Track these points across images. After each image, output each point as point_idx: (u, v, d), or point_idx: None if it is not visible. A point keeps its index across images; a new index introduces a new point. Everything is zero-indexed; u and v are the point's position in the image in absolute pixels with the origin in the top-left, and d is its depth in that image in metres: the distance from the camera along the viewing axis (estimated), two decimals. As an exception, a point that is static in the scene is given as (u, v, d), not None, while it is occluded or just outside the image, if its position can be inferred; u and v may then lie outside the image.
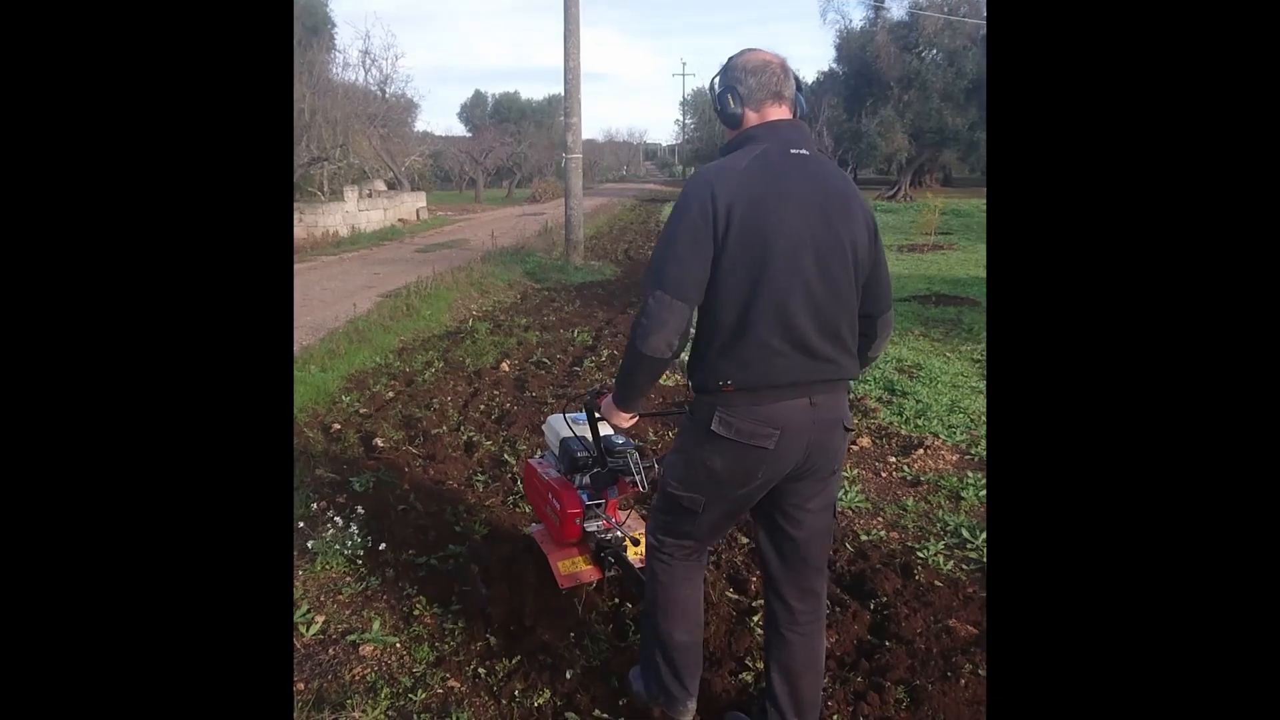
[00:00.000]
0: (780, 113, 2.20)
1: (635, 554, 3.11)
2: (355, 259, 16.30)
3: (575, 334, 8.53)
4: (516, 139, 48.69)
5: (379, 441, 5.18)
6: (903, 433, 5.34)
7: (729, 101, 2.21)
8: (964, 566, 3.67)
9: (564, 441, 3.26)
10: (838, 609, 3.23)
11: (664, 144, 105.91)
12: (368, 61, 26.84)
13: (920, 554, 3.76)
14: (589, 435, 3.11)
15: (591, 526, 3.22)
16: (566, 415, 3.35)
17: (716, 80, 2.26)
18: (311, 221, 20.34)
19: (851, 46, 38.20)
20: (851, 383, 2.24)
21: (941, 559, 3.71)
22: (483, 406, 6.03)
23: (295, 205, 20.32)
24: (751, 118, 2.20)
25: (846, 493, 4.41)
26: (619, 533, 3.19)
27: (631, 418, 2.42)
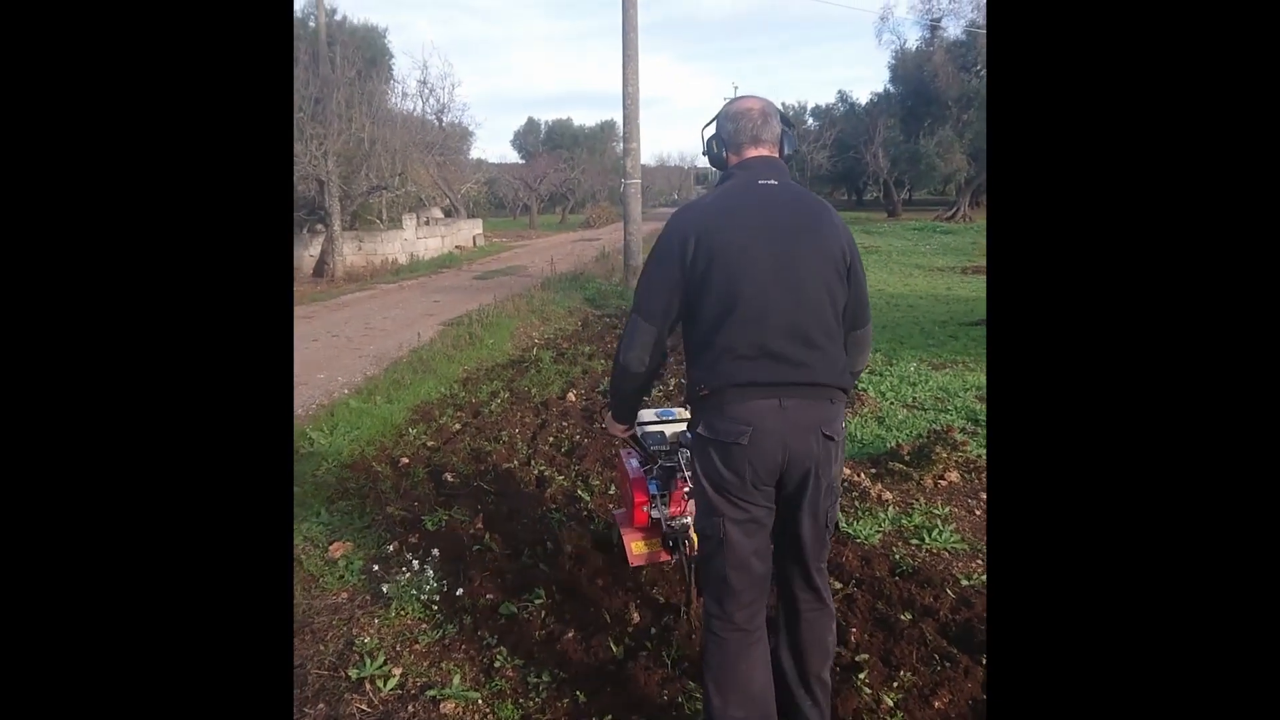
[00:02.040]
0: (757, 153, 2.41)
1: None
2: (415, 286, 16.37)
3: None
4: (569, 165, 48.92)
5: (449, 477, 5.06)
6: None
7: (714, 147, 2.49)
8: (1078, 615, 3.41)
9: (643, 435, 3.45)
10: (946, 664, 3.00)
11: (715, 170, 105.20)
12: (425, 91, 27.09)
13: (1028, 601, 3.50)
14: (666, 429, 3.44)
15: (659, 514, 3.41)
16: (656, 410, 3.62)
17: (708, 130, 2.53)
18: (371, 249, 20.52)
19: (908, 67, 37.93)
20: (843, 392, 2.34)
21: (1052, 607, 3.46)
22: (551, 439, 5.88)
23: (355, 233, 20.56)
24: (733, 159, 2.44)
25: (940, 532, 4.17)
26: (685, 521, 3.30)
27: (626, 429, 2.76)
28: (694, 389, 2.31)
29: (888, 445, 5.44)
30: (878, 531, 4.23)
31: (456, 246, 25.43)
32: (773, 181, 2.34)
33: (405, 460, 5.43)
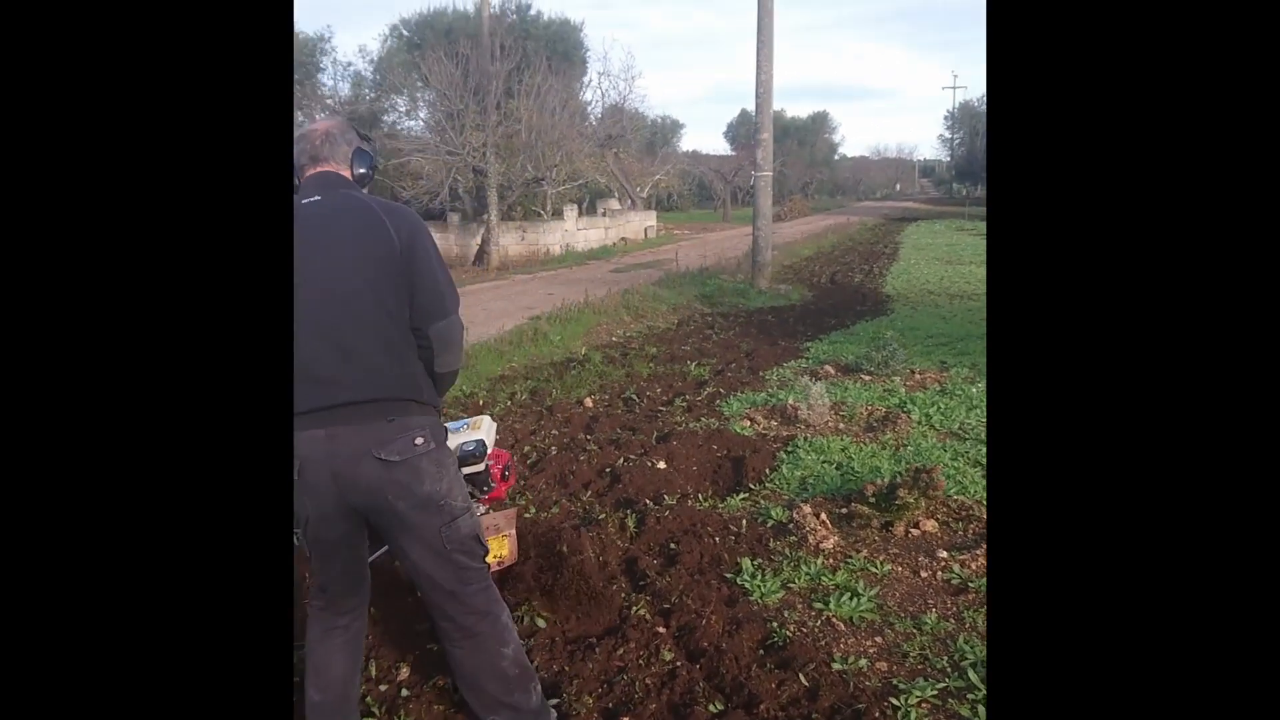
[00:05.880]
0: (316, 170, 2.44)
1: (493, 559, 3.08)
2: (548, 278, 16.36)
3: (692, 367, 7.77)
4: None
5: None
6: (982, 516, 4.20)
7: (295, 175, 2.47)
8: (943, 728, 2.65)
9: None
10: (707, 781, 2.37)
11: (943, 160, 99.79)
12: (604, 82, 27.13)
13: (894, 701, 2.76)
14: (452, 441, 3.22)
15: None
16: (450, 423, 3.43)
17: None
18: (533, 240, 20.91)
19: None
20: (412, 403, 2.31)
21: (916, 712, 2.71)
22: (527, 448, 5.48)
23: (519, 223, 20.92)
24: (302, 178, 2.46)
25: (855, 598, 3.43)
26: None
27: None
28: None
29: (876, 481, 4.65)
30: (782, 589, 3.55)
31: (623, 238, 25.41)
32: (316, 198, 2.36)
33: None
